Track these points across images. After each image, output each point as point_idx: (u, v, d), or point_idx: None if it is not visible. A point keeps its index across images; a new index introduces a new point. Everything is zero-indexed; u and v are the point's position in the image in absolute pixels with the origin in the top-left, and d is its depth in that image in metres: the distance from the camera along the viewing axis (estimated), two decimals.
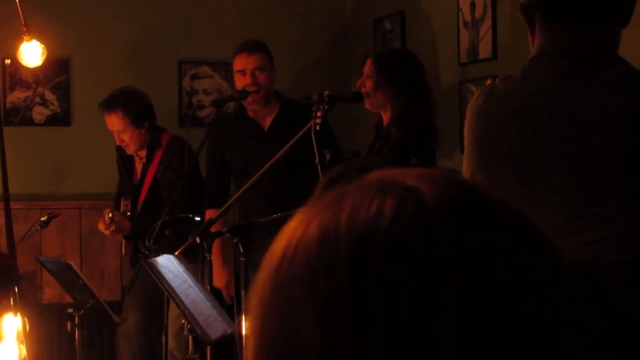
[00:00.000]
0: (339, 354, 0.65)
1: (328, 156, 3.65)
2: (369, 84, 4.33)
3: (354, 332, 0.65)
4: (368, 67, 4.36)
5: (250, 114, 4.92)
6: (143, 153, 5.16)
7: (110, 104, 5.06)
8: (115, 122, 5.05)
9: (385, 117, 4.37)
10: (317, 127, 3.63)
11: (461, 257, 0.66)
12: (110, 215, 4.82)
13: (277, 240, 0.72)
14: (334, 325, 0.66)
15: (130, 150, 5.15)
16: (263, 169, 3.76)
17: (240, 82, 4.83)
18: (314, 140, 3.63)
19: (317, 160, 3.62)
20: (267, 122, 4.89)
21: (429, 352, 0.64)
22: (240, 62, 4.84)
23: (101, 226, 4.91)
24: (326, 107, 3.75)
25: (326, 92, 3.80)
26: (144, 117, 5.06)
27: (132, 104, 5.04)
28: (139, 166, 5.22)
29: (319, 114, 3.65)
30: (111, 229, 4.85)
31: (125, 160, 5.27)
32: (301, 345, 0.67)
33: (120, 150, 5.26)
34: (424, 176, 0.70)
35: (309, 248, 0.69)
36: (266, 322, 0.70)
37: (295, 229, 0.71)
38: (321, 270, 0.67)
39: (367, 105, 4.37)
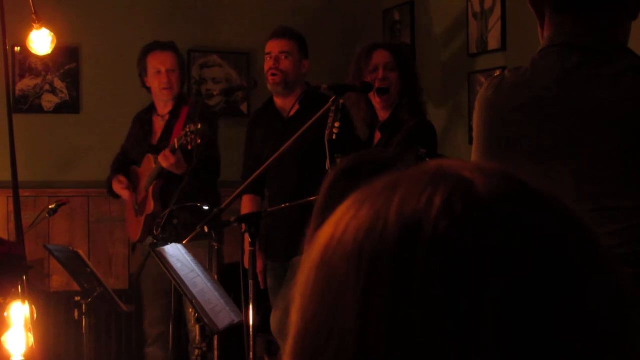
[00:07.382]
0: (375, 338, 0.65)
1: (339, 161, 3.64)
2: (393, 77, 4.28)
3: (391, 320, 0.65)
4: (388, 60, 4.30)
5: (277, 102, 4.94)
6: (167, 109, 5.13)
7: (163, 44, 5.11)
8: (170, 60, 5.08)
9: (385, 113, 4.32)
10: (334, 137, 3.63)
11: (508, 256, 0.65)
12: (177, 146, 4.69)
13: (329, 220, 0.73)
14: (373, 310, 0.66)
15: (171, 92, 5.08)
16: (267, 162, 3.76)
17: (267, 65, 4.88)
18: (327, 147, 3.63)
19: (328, 165, 3.62)
20: (289, 112, 4.89)
21: (467, 347, 0.63)
22: (269, 45, 4.91)
23: (159, 161, 4.83)
24: (341, 115, 3.71)
25: (341, 101, 3.76)
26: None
27: None
28: (159, 126, 5.17)
29: (337, 124, 3.63)
30: (171, 162, 4.75)
31: (144, 125, 5.21)
32: (339, 324, 0.67)
33: (141, 116, 5.22)
34: (480, 168, 0.70)
35: (358, 229, 0.69)
36: (310, 298, 0.71)
37: (348, 209, 0.72)
38: (367, 253, 0.67)
39: (384, 101, 4.28)
